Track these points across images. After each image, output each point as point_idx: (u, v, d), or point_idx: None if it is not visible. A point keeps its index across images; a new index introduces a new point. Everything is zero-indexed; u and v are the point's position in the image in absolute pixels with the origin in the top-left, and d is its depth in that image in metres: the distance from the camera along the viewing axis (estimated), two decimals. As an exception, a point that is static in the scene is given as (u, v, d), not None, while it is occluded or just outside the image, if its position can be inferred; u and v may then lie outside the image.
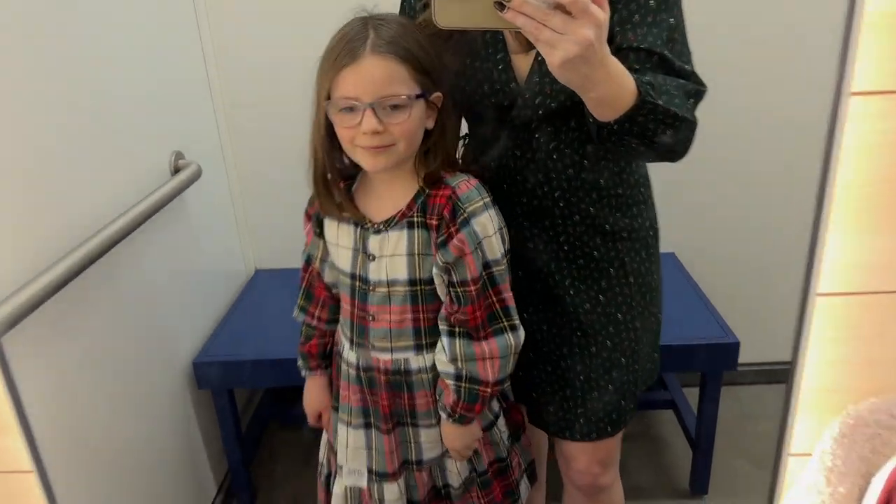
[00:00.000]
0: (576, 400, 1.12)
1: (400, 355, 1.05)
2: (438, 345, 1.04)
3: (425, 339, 1.05)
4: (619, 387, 1.10)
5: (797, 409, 0.77)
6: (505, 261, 1.01)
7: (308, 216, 1.10)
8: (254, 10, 1.78)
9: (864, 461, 0.70)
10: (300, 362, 1.19)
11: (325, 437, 1.22)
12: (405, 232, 0.99)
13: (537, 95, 0.96)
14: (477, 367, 1.01)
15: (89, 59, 1.28)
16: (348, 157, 0.99)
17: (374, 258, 1.01)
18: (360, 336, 1.07)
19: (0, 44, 1.04)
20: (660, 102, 0.81)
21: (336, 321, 1.14)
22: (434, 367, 1.05)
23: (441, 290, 1.01)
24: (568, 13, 0.67)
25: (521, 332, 1.02)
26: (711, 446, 1.69)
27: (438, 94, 0.95)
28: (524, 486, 1.20)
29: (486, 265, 0.98)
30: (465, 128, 1.13)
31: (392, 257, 1.00)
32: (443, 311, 1.02)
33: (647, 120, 0.81)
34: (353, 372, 1.09)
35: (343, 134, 0.93)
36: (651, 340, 1.14)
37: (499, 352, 1.01)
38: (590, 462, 1.18)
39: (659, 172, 1.11)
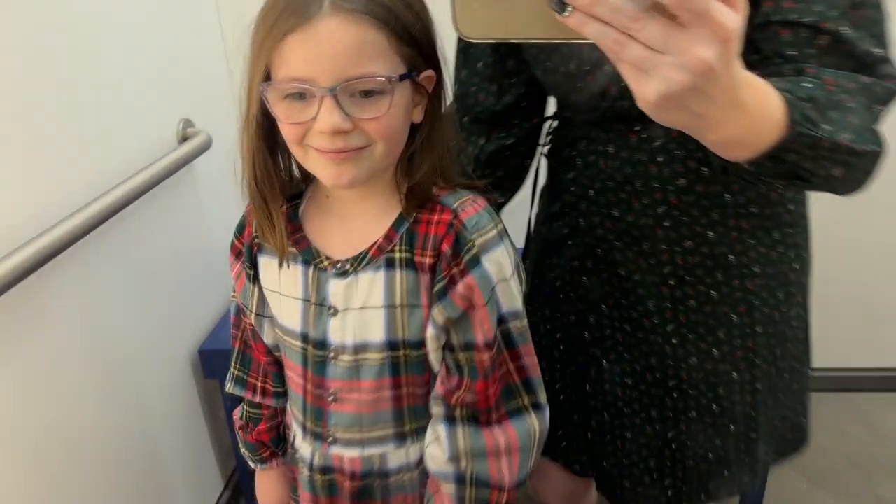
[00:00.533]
0: (662, 471, 0.91)
1: (374, 450, 0.75)
2: (429, 434, 0.74)
3: (409, 423, 0.75)
4: (725, 457, 0.88)
5: None
6: (525, 312, 0.72)
7: (236, 251, 0.79)
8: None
9: None
10: (245, 451, 0.89)
11: None
12: (382, 274, 0.69)
13: None
14: (488, 465, 0.71)
15: (95, 19, 1.14)
16: (297, 166, 0.71)
17: (335, 312, 0.71)
18: (316, 422, 0.76)
19: (4, 4, 0.93)
20: (822, 133, 0.53)
21: (286, 394, 0.85)
22: (422, 460, 0.76)
23: (434, 357, 0.72)
24: (672, 18, 0.39)
25: (547, 413, 0.74)
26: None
27: (430, 72, 0.66)
28: None
29: (502, 319, 0.69)
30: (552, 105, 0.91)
31: (363, 311, 0.70)
32: (437, 389, 0.72)
33: (802, 158, 0.54)
34: (305, 473, 0.79)
35: (289, 132, 0.64)
36: (781, 402, 0.91)
37: (519, 442, 0.71)
38: None
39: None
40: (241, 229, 0.79)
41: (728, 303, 0.82)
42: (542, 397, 0.74)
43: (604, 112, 0.78)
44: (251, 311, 0.80)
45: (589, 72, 0.75)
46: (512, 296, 0.70)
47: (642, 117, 0.74)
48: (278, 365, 0.83)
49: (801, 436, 0.95)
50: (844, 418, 1.86)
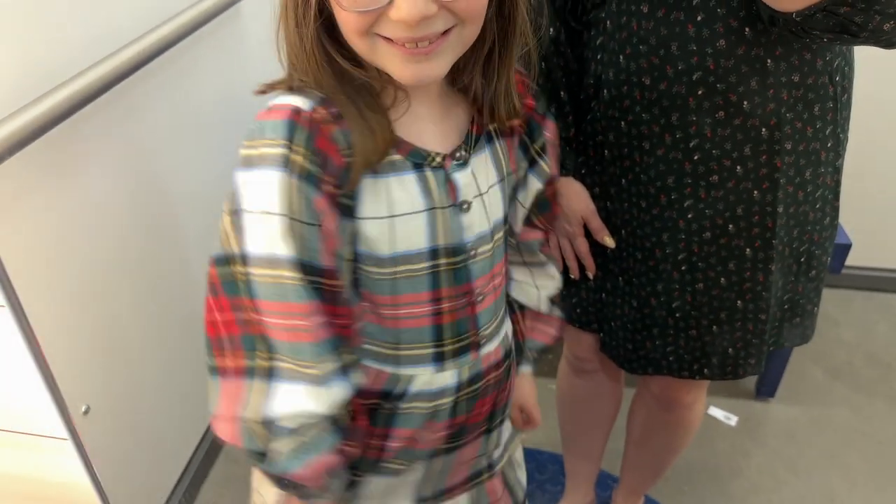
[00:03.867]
0: (665, 339, 0.92)
1: (502, 330, 0.76)
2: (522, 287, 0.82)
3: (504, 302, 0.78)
4: (730, 333, 0.89)
5: None
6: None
7: (303, 174, 0.61)
8: None
9: None
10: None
11: None
12: (487, 150, 0.70)
13: None
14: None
15: None
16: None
17: (469, 207, 0.69)
18: (462, 336, 0.71)
19: None
20: None
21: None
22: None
23: (521, 215, 0.76)
24: None
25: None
26: (789, 350, 1.56)
27: None
28: None
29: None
30: None
31: (489, 192, 0.71)
32: (539, 234, 0.79)
33: (855, 11, 0.55)
34: (442, 403, 0.73)
35: (353, 22, 0.52)
36: (794, 286, 0.90)
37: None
38: (675, 386, 1.03)
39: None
40: (308, 142, 0.55)
41: (752, 179, 0.80)
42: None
43: None
44: (345, 259, 0.60)
45: None
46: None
47: None
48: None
49: (810, 324, 0.95)
50: (871, 317, 1.87)
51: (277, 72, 0.66)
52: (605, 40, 0.81)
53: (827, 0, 0.53)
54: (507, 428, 0.81)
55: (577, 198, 0.91)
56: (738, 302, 0.87)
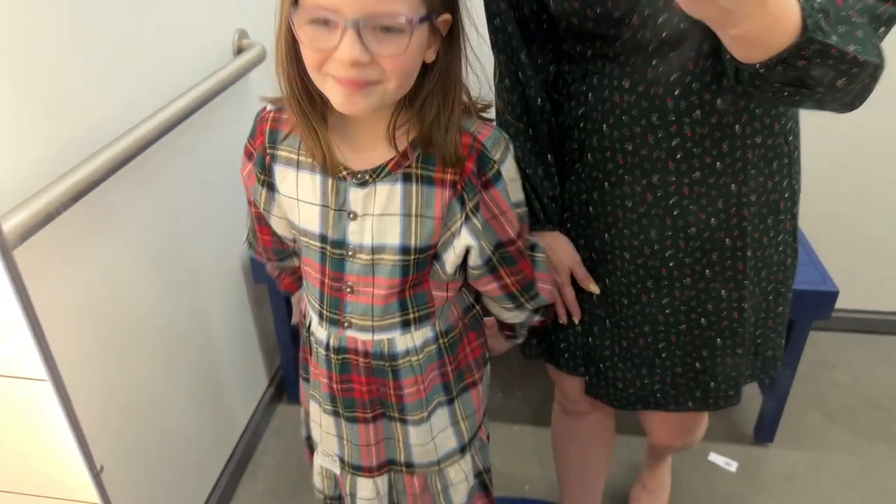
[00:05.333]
0: (652, 377, 0.99)
1: (383, 335, 0.87)
2: (510, 313, 0.94)
3: (413, 312, 0.86)
4: (711, 368, 0.96)
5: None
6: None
7: (248, 153, 0.87)
8: None
9: None
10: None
11: (302, 389, 1.05)
12: (399, 186, 0.79)
13: (661, 11, 0.76)
14: (542, 293, 0.93)
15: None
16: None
17: (355, 217, 0.81)
18: (333, 310, 0.87)
19: None
20: (831, 41, 0.59)
21: (289, 257, 0.98)
22: (425, 346, 0.88)
23: (451, 261, 0.83)
24: None
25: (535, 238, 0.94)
26: (786, 394, 1.58)
27: (447, 16, 0.71)
28: None
29: (515, 206, 0.85)
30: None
31: (381, 217, 0.80)
32: (494, 292, 0.90)
33: (811, 65, 0.60)
34: (322, 352, 0.90)
35: (310, 57, 0.69)
36: (764, 322, 0.97)
37: (541, 269, 0.92)
38: (671, 432, 1.09)
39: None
40: (252, 135, 0.86)
41: (724, 228, 0.88)
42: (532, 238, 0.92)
43: (621, 45, 0.80)
44: (259, 206, 0.89)
45: (605, 1, 0.78)
46: (518, 189, 0.84)
47: (659, 51, 0.80)
48: (280, 243, 0.95)
49: (780, 355, 1.02)
50: (867, 360, 1.90)
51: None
52: (588, 111, 0.88)
53: (786, 51, 0.59)
54: (419, 440, 0.93)
55: (563, 250, 0.97)
56: (718, 340, 0.94)
